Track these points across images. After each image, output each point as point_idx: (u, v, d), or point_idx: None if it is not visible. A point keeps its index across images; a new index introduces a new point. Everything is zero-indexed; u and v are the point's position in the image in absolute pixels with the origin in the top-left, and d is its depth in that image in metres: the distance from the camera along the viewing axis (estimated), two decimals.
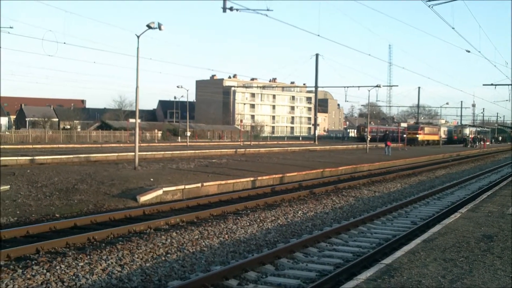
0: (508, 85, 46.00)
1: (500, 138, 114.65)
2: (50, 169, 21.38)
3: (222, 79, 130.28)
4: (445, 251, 8.68)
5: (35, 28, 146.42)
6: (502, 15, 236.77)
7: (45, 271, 8.38)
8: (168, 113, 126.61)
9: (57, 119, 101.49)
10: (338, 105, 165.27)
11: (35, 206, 14.55)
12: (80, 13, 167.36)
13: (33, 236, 11.27)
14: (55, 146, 46.36)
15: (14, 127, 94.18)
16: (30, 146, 43.82)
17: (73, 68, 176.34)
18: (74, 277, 8.23)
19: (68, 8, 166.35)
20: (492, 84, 43.26)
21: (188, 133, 60.08)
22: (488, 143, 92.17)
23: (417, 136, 75.63)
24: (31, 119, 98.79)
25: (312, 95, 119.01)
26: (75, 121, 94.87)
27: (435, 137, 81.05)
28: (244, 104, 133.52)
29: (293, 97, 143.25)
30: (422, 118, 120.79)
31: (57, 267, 8.60)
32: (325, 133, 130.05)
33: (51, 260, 9.03)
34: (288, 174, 23.84)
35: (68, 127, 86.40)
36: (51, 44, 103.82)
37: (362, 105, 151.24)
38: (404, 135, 72.02)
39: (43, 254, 9.54)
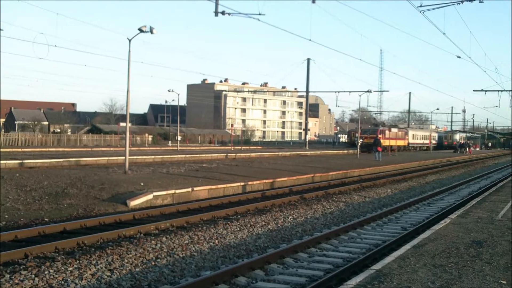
0: (498, 91, 46.35)
1: (489, 144, 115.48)
2: (39, 173, 21.24)
3: (214, 83, 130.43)
4: (434, 257, 8.72)
5: (26, 30, 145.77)
6: (492, 21, 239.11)
7: (33, 276, 8.31)
8: (159, 117, 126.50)
9: (47, 123, 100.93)
10: (329, 110, 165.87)
11: (24, 210, 14.44)
12: (71, 15, 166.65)
13: (21, 241, 11.16)
14: (44, 149, 46.10)
15: (3, 130, 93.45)
16: (20, 150, 43.56)
17: (64, 71, 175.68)
18: (63, 282, 8.17)
19: (59, 10, 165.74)
20: (482, 90, 43.67)
21: (179, 138, 59.88)
22: (477, 148, 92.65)
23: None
24: (21, 122, 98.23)
25: (303, 100, 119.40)
26: (65, 125, 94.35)
27: (401, 142, 73.65)
28: (235, 108, 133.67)
29: (284, 102, 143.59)
30: (413, 123, 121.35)
31: (46, 272, 8.53)
32: (315, 138, 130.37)
33: (39, 265, 8.96)
34: (278, 179, 23.84)
35: (58, 130, 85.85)
36: (42, 46, 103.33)
37: (353, 110, 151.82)
38: (360, 140, 58.50)
39: (31, 259, 9.46)
